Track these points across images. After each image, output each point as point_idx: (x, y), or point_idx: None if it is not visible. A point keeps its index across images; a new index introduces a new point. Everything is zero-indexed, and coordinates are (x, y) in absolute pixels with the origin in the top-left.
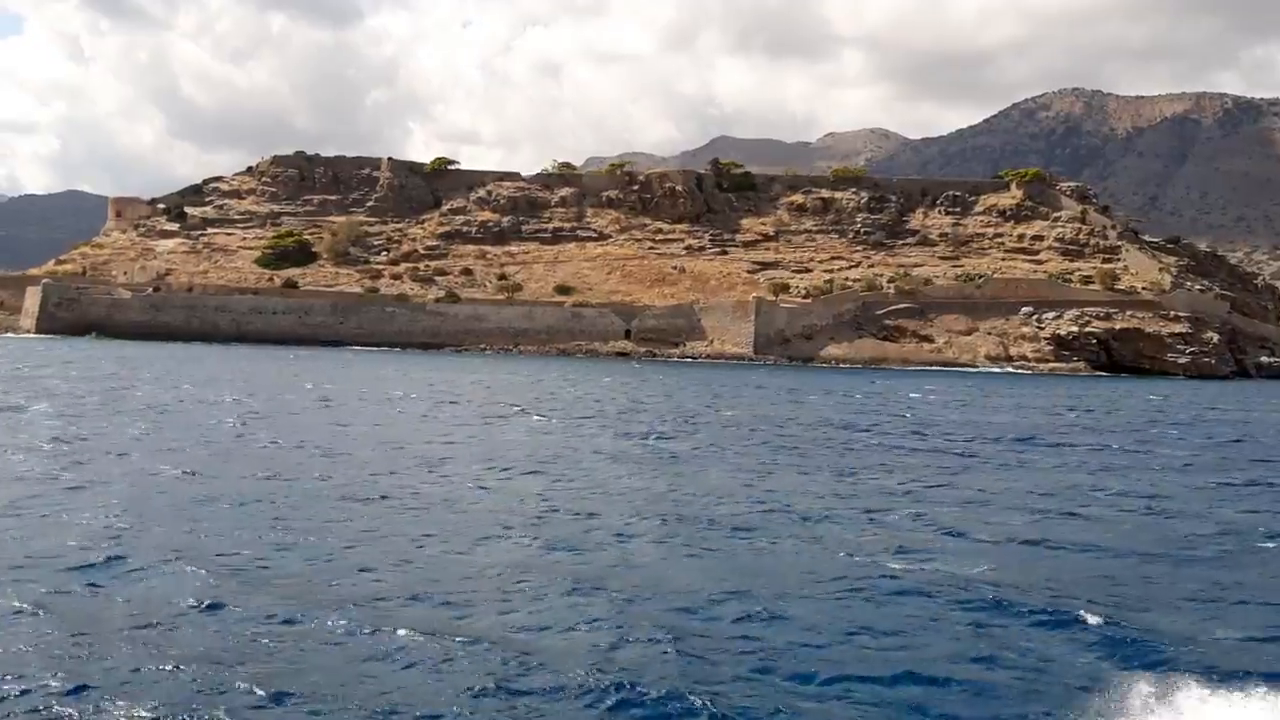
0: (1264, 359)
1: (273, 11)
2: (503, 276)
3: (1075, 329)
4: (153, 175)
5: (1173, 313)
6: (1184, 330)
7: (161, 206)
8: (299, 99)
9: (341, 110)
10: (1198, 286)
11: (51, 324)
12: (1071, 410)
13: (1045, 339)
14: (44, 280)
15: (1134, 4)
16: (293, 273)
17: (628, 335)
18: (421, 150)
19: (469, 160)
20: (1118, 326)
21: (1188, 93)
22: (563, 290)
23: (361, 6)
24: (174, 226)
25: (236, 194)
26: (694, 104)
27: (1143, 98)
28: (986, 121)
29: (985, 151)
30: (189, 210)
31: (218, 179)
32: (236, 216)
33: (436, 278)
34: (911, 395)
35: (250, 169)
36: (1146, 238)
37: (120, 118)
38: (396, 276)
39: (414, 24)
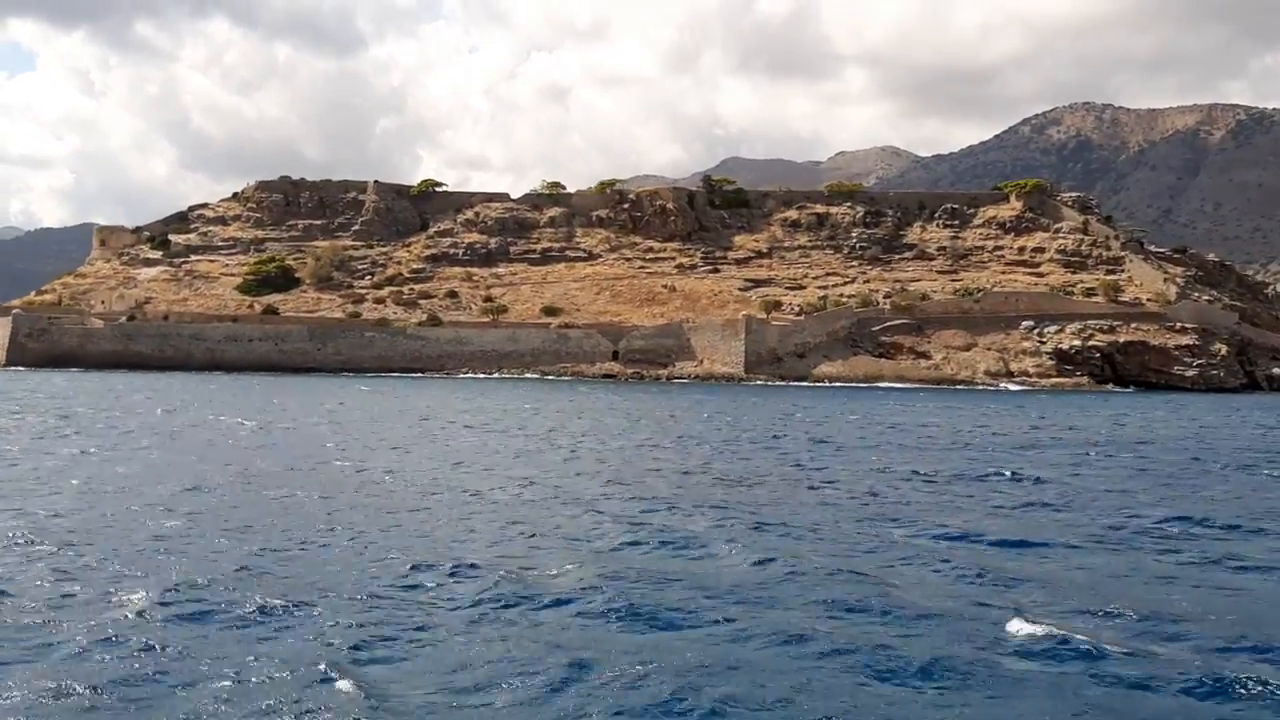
0: (1276, 371)
1: (278, 42)
2: (488, 299)
3: (1078, 343)
4: (166, 206)
5: (1179, 324)
6: (1191, 342)
7: (146, 235)
8: (308, 128)
9: (350, 139)
10: (1205, 297)
11: (22, 355)
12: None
13: (1047, 354)
14: (14, 311)
15: (1138, 14)
16: (274, 299)
17: (615, 356)
18: (431, 177)
19: (479, 186)
20: (1122, 339)
21: (1199, 104)
22: (550, 311)
23: (366, 36)
24: (157, 254)
25: (222, 220)
26: (700, 125)
27: (1154, 110)
28: (997, 137)
29: (996, 167)
30: (173, 238)
31: (203, 206)
32: (220, 243)
33: (420, 301)
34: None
35: (236, 195)
36: (1153, 248)
37: (133, 150)
38: (380, 300)
39: (420, 52)
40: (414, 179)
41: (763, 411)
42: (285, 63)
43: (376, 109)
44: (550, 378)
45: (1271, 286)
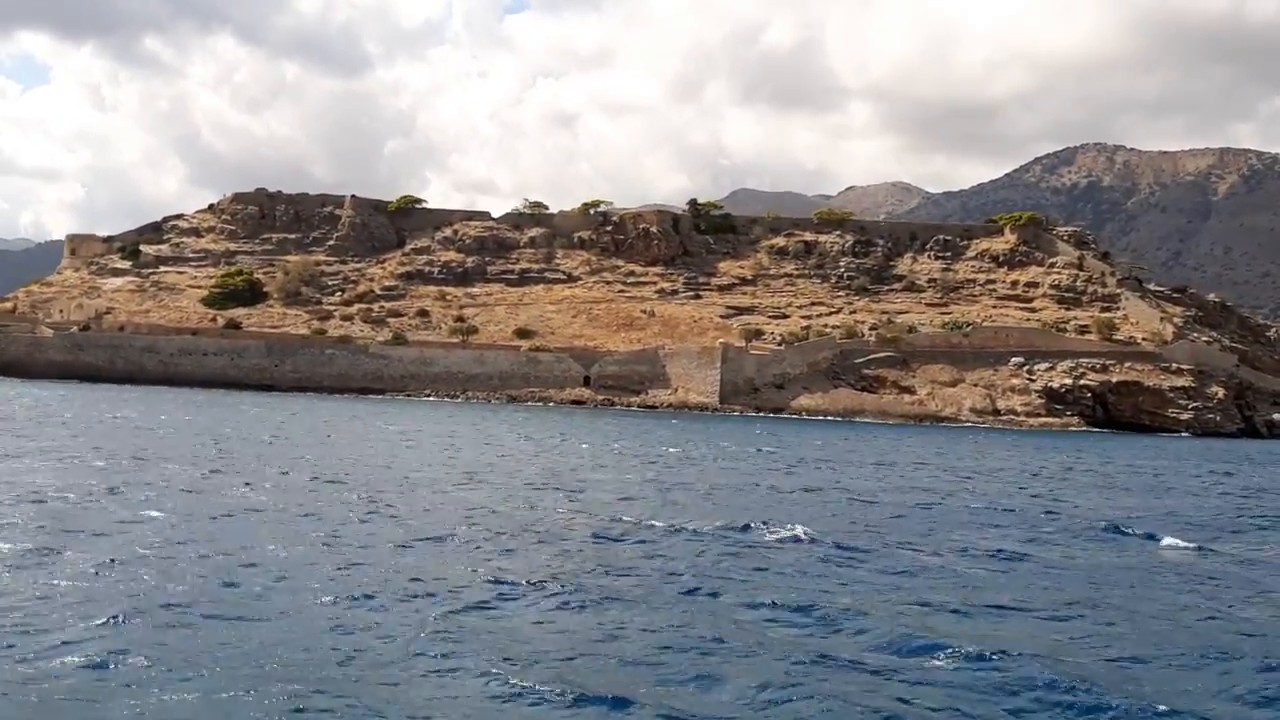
0: (1276, 416)
1: (285, 62)
2: (460, 319)
3: (1069, 381)
4: None
5: (1175, 365)
6: (1187, 384)
7: (118, 244)
8: (317, 148)
9: (359, 159)
10: (1204, 338)
11: None
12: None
13: (1036, 392)
14: None
15: (1143, 55)
16: (238, 313)
17: (587, 382)
18: (440, 200)
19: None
20: (1115, 379)
21: (1211, 148)
22: (523, 334)
23: (373, 58)
24: (126, 265)
25: (196, 232)
26: (705, 155)
27: (1166, 153)
28: (1008, 176)
29: (1006, 205)
30: (144, 248)
31: (178, 217)
32: (191, 255)
33: (390, 319)
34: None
35: (211, 206)
36: (1153, 286)
37: (144, 166)
38: (347, 318)
39: (428, 75)
40: (423, 201)
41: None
42: (294, 82)
43: (385, 130)
44: (530, 403)
45: (1275, 328)
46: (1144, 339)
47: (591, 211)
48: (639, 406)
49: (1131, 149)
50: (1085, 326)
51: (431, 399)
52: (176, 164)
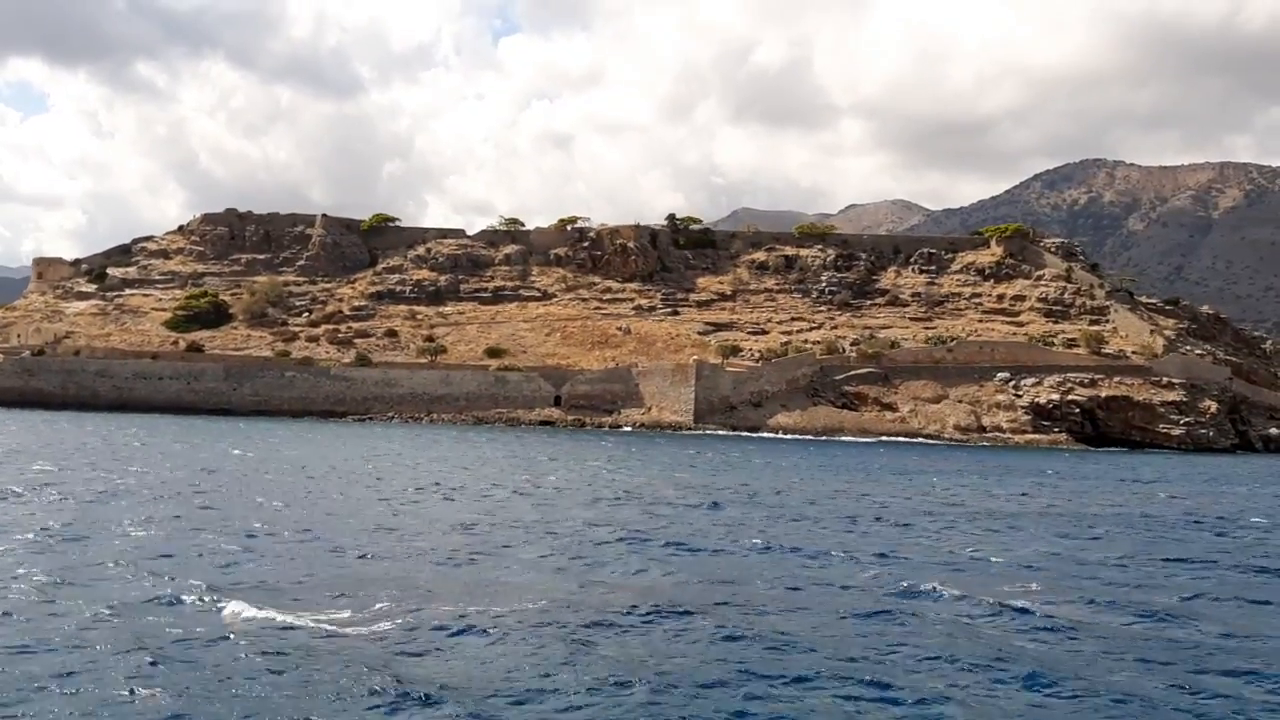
0: (1273, 431)
1: (278, 86)
2: (430, 338)
3: (1056, 397)
4: None
5: (1166, 379)
6: (1178, 398)
7: (85, 267)
8: (315, 172)
9: (357, 182)
10: (1197, 351)
11: None
12: None
13: (1023, 408)
14: None
15: (1135, 69)
16: (201, 335)
17: (558, 402)
18: (441, 222)
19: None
20: (1104, 394)
21: (1211, 162)
22: (493, 353)
23: (366, 82)
24: (91, 288)
25: (164, 254)
26: (700, 174)
27: (1166, 168)
28: (1008, 193)
29: (1006, 222)
30: (111, 270)
31: (147, 238)
32: (158, 277)
33: (357, 340)
34: None
35: (181, 228)
36: (1143, 299)
37: (144, 192)
38: (313, 339)
39: (424, 98)
40: (421, 223)
41: None
42: (288, 106)
43: (382, 154)
44: (498, 424)
45: (1270, 341)
46: (1134, 352)
47: (568, 228)
48: (610, 427)
49: (1131, 165)
50: (1073, 340)
51: (395, 421)
52: (176, 189)
